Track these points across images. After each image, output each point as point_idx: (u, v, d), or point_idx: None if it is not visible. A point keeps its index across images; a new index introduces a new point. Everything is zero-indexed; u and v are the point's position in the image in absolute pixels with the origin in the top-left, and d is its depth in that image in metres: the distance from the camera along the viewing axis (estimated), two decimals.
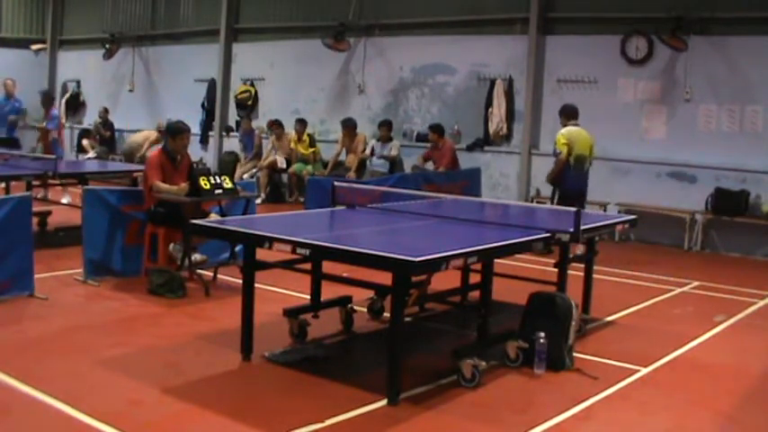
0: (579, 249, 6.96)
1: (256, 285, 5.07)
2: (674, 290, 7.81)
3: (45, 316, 5.80)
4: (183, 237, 6.80)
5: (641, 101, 10.99)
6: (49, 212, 9.26)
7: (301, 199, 12.38)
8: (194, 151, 12.36)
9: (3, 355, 4.82)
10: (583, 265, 6.36)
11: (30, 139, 13.65)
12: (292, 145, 13.24)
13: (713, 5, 10.36)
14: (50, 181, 9.33)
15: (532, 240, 5.06)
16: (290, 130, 13.44)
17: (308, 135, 13.29)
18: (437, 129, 11.68)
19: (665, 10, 10.43)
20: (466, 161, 12.12)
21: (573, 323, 5.13)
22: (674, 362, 5.42)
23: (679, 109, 10.69)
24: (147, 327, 5.75)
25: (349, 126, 12.64)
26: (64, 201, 10.45)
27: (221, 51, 15.24)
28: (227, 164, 14.27)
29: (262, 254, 4.96)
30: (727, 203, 10.10)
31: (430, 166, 11.74)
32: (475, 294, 5.60)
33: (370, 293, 5.92)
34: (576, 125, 9.11)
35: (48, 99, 13.12)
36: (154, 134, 13.53)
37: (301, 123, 13.20)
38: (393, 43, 13.32)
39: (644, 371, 5.14)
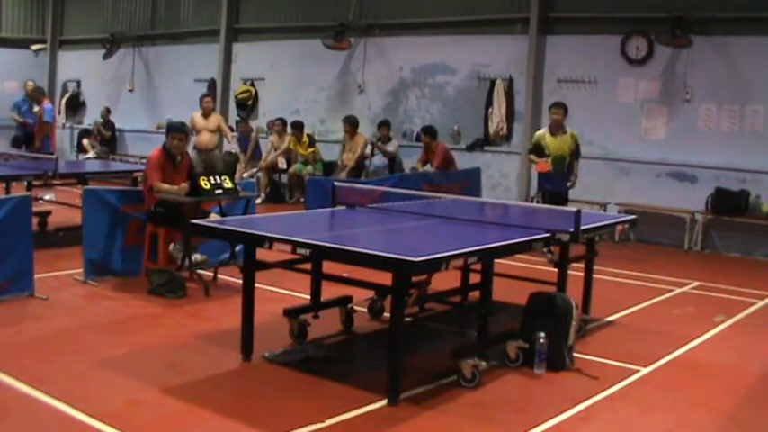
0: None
1: (256, 285, 5.07)
2: (674, 290, 7.81)
3: (45, 316, 5.80)
4: (183, 237, 6.81)
5: (641, 101, 10.99)
6: (48, 212, 9.26)
7: (301, 199, 12.39)
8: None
9: (3, 355, 4.82)
10: (583, 265, 6.36)
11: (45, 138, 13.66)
12: (291, 145, 13.24)
13: (713, 5, 10.36)
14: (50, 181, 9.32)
15: (532, 240, 5.06)
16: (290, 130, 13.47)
17: (308, 136, 13.30)
18: (429, 131, 11.72)
19: (665, 10, 10.44)
20: (466, 161, 12.13)
21: (573, 323, 5.14)
22: (674, 362, 5.42)
23: (679, 109, 10.68)
24: (147, 327, 5.75)
25: (350, 123, 12.65)
26: (46, 197, 10.33)
27: (221, 51, 15.23)
28: (227, 164, 14.26)
29: (262, 254, 4.96)
30: (727, 203, 10.09)
31: (428, 168, 11.74)
32: (475, 294, 5.59)
33: (370, 293, 5.91)
34: None
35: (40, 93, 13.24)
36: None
37: (298, 127, 13.20)
38: (393, 43, 13.32)
39: (644, 371, 5.14)
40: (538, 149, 9.13)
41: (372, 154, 12.49)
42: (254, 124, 14.36)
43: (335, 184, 6.63)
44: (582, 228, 5.14)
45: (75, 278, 6.89)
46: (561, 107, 9.18)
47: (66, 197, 10.11)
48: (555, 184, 9.04)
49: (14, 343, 5.14)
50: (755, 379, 5.16)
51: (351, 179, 11.39)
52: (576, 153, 9.10)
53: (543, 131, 9.21)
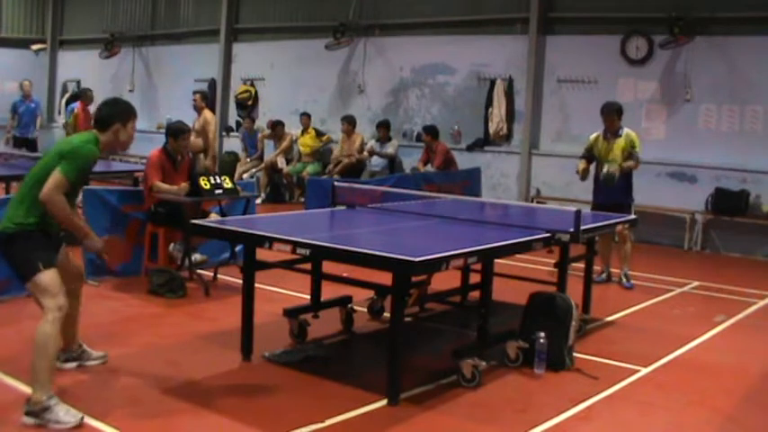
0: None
1: (256, 285, 5.07)
2: (674, 290, 7.81)
3: None
4: (183, 237, 6.81)
5: (641, 101, 10.98)
6: None
7: (302, 199, 12.39)
8: None
9: (3, 355, 4.82)
10: (583, 265, 6.36)
11: (48, 141, 13.66)
12: (295, 137, 13.24)
13: (713, 5, 10.35)
14: None
15: (532, 240, 5.06)
16: (291, 130, 13.45)
17: (314, 129, 13.34)
18: (431, 130, 11.78)
19: (665, 10, 10.44)
20: (466, 161, 12.13)
21: (573, 323, 5.13)
22: (674, 362, 5.42)
23: (679, 109, 10.68)
24: (147, 327, 5.75)
25: (348, 122, 12.68)
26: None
27: (221, 51, 15.23)
28: (227, 164, 14.27)
29: (262, 254, 4.96)
30: (727, 203, 10.10)
31: (429, 168, 11.76)
32: (475, 294, 5.59)
33: (370, 293, 5.91)
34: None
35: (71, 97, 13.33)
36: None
37: (307, 116, 13.32)
38: (393, 43, 13.32)
39: (644, 371, 5.14)
40: (588, 156, 7.90)
41: (372, 154, 12.50)
42: (255, 124, 14.32)
43: (335, 184, 6.63)
44: (582, 228, 5.14)
45: None
46: (609, 107, 7.86)
47: None
48: (607, 196, 7.60)
49: (14, 343, 5.13)
50: (755, 379, 5.16)
51: (350, 179, 11.39)
52: (628, 156, 7.71)
53: (596, 135, 7.94)
